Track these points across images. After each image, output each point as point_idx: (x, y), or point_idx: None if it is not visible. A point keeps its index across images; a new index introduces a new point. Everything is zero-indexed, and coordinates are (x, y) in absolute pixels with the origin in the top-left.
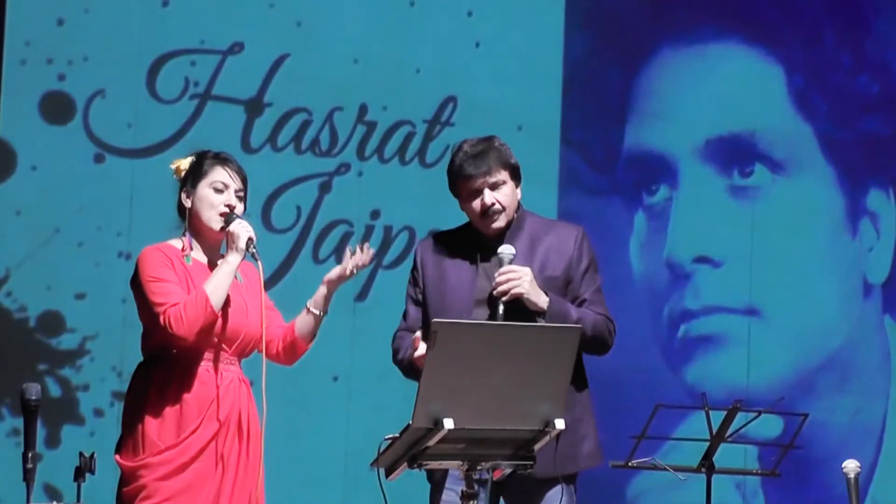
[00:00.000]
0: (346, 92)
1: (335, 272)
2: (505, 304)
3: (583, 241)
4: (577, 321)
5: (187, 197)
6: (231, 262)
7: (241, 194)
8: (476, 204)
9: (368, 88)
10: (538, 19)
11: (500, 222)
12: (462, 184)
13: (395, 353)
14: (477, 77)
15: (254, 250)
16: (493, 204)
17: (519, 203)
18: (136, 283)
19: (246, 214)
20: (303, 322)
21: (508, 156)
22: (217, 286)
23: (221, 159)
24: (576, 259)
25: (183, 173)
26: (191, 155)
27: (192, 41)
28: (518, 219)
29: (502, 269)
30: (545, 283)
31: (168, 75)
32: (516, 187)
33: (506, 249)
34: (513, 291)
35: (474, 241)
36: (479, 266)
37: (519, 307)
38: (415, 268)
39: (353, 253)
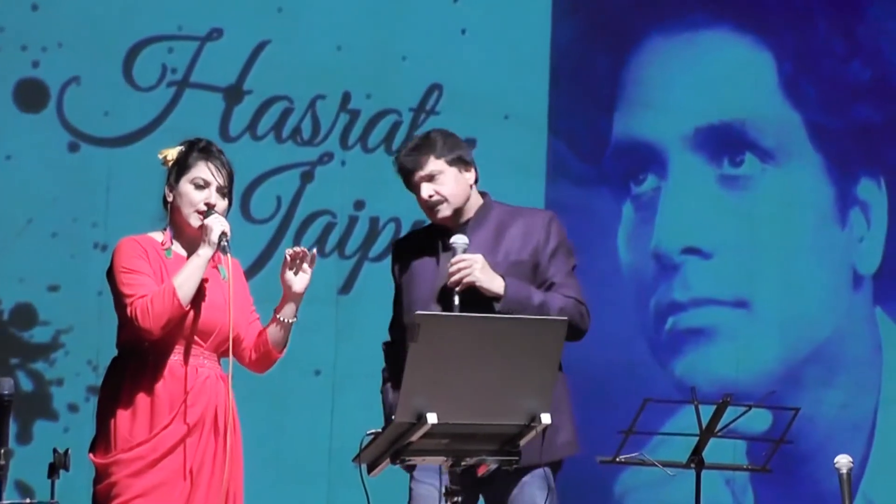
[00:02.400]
0: (329, 79)
1: (301, 285)
2: (459, 294)
3: (551, 224)
4: (541, 305)
5: (170, 191)
6: (202, 255)
7: (225, 191)
8: (420, 200)
9: (352, 76)
10: (525, 6)
11: (444, 212)
12: (405, 181)
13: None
14: (463, 65)
15: (225, 244)
16: (431, 196)
17: (485, 193)
18: (111, 273)
19: (230, 210)
20: (274, 331)
21: (446, 146)
22: (186, 280)
23: (206, 153)
24: (542, 242)
25: (170, 164)
26: (180, 144)
27: (169, 27)
28: (484, 207)
29: (454, 259)
30: (512, 269)
31: (145, 62)
32: (463, 173)
33: (458, 239)
34: (465, 280)
35: (441, 235)
36: (440, 258)
37: (478, 297)
38: (392, 268)
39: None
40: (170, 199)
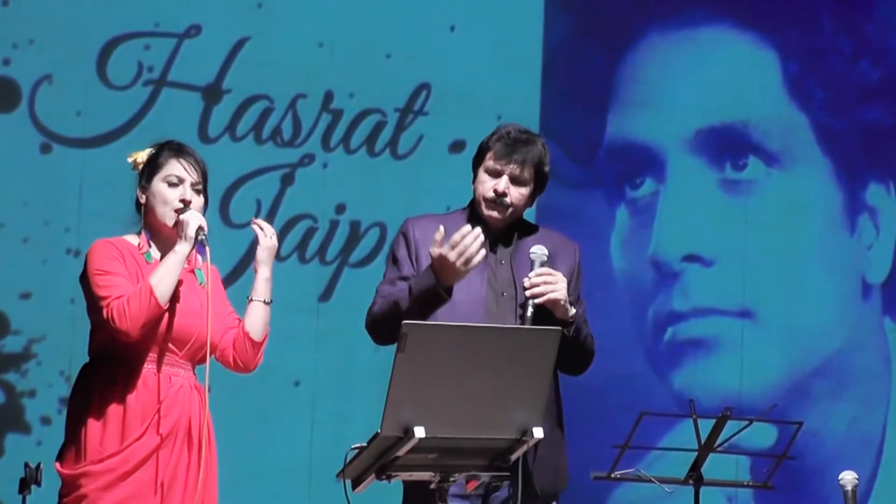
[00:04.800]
0: (311, 78)
1: (263, 252)
2: (535, 306)
3: (581, 258)
4: (586, 337)
5: (142, 192)
6: (179, 251)
7: (199, 187)
8: (489, 184)
9: (334, 74)
10: (517, 1)
11: (499, 215)
12: (489, 157)
13: (388, 300)
14: (452, 63)
15: (203, 238)
16: (505, 195)
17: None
18: (84, 277)
19: (206, 209)
20: (250, 317)
21: (545, 162)
22: (163, 278)
23: (177, 151)
24: (577, 271)
25: (140, 167)
26: (150, 146)
27: (145, 23)
28: (520, 221)
29: (539, 271)
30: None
31: (120, 60)
32: (534, 195)
33: (539, 250)
34: (549, 296)
35: (484, 232)
36: (489, 256)
37: (540, 312)
38: (406, 246)
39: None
40: (142, 200)
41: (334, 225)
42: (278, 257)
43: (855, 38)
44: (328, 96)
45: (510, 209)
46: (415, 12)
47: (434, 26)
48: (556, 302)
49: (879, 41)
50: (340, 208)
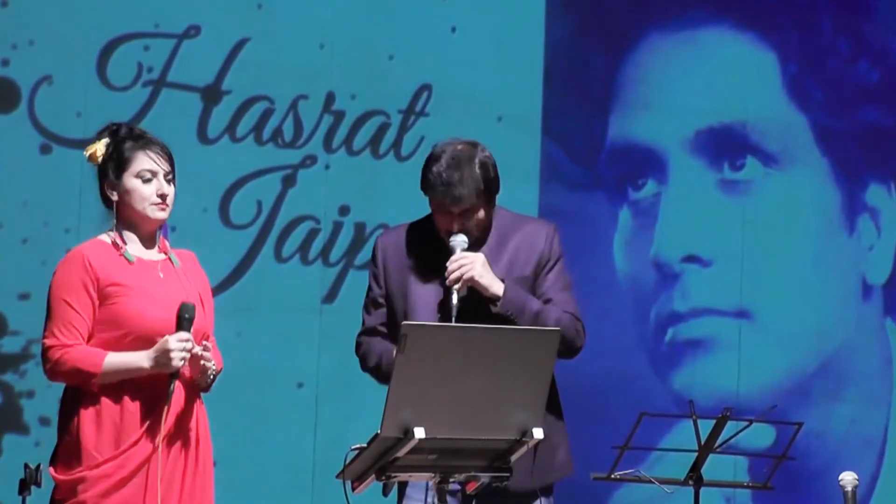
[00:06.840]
0: (312, 79)
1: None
2: (458, 292)
3: (554, 238)
4: (538, 313)
5: (112, 189)
6: (142, 367)
7: (171, 177)
8: (442, 223)
9: (336, 75)
10: (518, 2)
11: (466, 244)
12: (431, 199)
13: (364, 359)
14: (453, 64)
15: (175, 381)
16: (458, 232)
17: None
18: (49, 293)
19: (202, 210)
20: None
21: (484, 176)
22: (115, 374)
23: (141, 142)
24: (545, 256)
25: (100, 159)
26: (103, 135)
27: (145, 24)
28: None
29: (454, 257)
30: (514, 284)
31: (120, 61)
32: (491, 205)
33: (457, 238)
34: (464, 276)
35: (439, 244)
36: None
37: (476, 300)
38: (375, 266)
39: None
40: (114, 197)
41: (337, 226)
42: (278, 259)
43: (854, 38)
44: (329, 97)
45: (474, 235)
46: (416, 13)
47: (435, 27)
48: (472, 280)
49: (878, 42)
50: (343, 210)
